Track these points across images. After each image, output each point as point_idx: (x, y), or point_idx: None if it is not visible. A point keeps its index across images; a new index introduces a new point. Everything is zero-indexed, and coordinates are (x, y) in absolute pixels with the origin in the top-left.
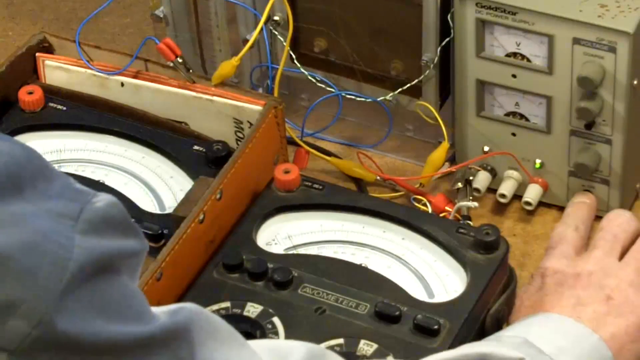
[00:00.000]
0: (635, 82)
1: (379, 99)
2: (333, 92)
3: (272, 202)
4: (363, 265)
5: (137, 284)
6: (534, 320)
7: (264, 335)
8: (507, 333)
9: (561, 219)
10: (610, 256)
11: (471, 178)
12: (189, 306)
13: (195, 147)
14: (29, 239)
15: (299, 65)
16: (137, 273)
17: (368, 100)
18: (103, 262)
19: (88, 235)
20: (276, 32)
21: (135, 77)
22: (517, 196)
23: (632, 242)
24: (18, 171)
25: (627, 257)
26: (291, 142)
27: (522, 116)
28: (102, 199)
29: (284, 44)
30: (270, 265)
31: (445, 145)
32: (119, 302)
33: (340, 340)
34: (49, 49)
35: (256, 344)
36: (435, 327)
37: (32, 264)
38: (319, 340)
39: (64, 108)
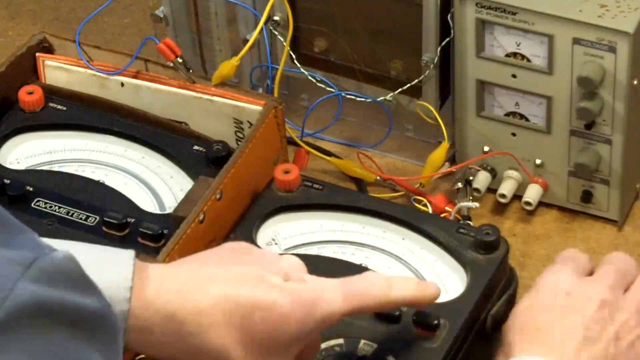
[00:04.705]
0: (635, 82)
1: (379, 99)
2: (333, 92)
3: (272, 202)
4: (363, 265)
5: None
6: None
7: None
8: None
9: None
10: (616, 289)
11: (471, 178)
12: None
13: (195, 147)
14: None
15: (299, 65)
16: (110, 345)
17: (368, 100)
18: (49, 310)
19: (37, 283)
20: (276, 32)
21: (135, 77)
22: (517, 196)
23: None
24: None
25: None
26: (291, 142)
27: (522, 116)
28: (61, 253)
29: (284, 44)
30: None
31: (445, 145)
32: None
33: (340, 341)
34: (49, 49)
35: None
36: (435, 322)
37: None
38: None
39: (64, 108)
